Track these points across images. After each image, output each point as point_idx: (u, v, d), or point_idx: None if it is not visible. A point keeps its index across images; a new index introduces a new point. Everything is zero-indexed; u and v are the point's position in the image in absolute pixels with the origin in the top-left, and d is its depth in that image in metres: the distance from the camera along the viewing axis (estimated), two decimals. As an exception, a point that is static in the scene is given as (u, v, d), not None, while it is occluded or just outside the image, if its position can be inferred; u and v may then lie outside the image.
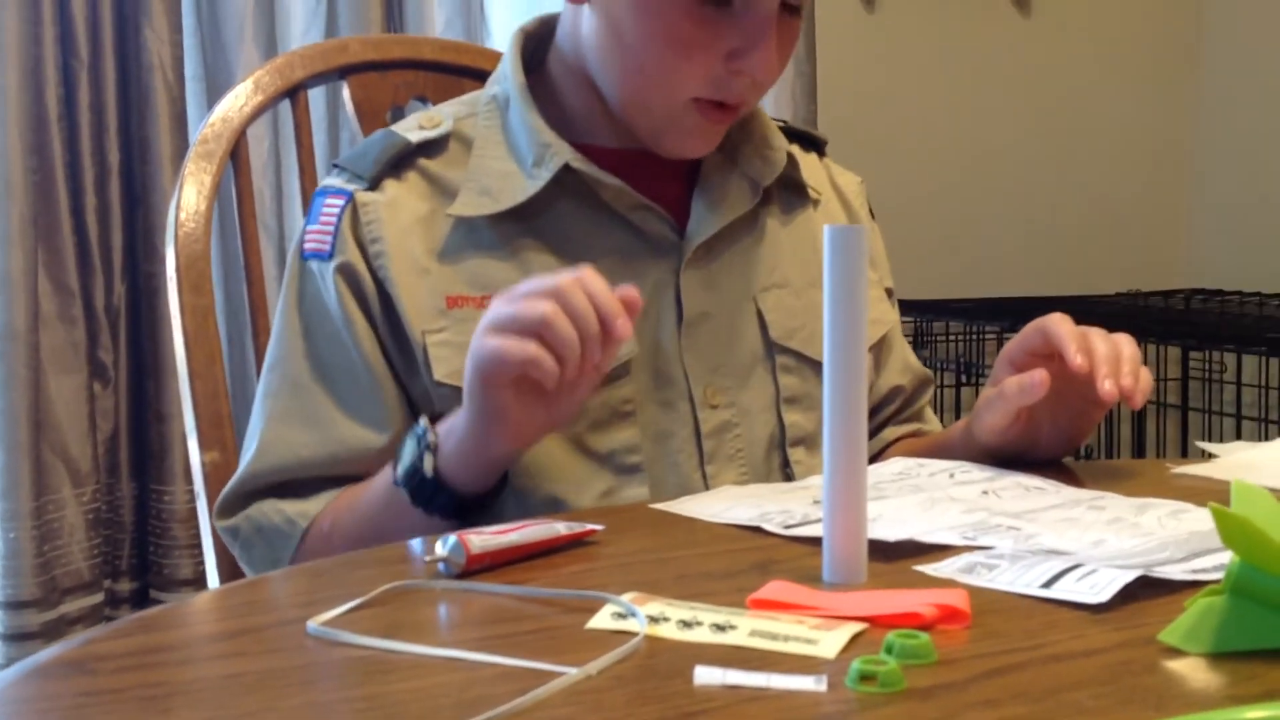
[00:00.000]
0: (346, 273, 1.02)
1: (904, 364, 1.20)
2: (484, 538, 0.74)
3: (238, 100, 1.24)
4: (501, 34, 2.30)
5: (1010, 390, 0.96)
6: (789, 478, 1.06)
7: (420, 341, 1.00)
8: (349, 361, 1.02)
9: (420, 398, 1.02)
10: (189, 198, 1.20)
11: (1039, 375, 0.94)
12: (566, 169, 1.02)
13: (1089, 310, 2.57)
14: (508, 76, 1.08)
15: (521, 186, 1.03)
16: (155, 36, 2.05)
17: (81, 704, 0.57)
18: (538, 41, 1.11)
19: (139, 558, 2.12)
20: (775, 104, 2.41)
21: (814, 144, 1.20)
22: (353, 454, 1.01)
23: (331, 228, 1.03)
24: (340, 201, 1.04)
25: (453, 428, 0.90)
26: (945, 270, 2.72)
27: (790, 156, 1.11)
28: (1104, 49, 2.90)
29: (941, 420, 2.57)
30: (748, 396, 1.06)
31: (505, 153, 1.05)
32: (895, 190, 2.54)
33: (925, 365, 1.24)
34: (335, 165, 1.08)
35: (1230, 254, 2.89)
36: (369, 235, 1.02)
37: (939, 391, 2.63)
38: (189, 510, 2.07)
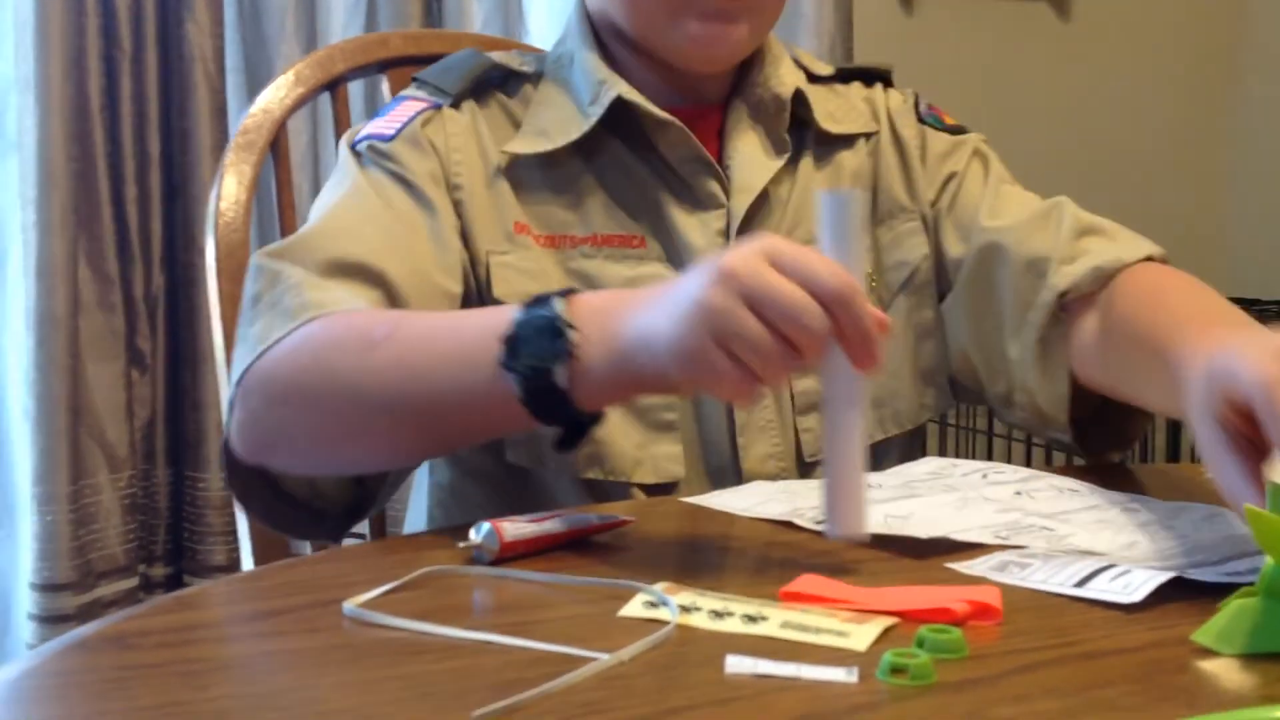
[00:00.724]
0: (394, 158, 1.01)
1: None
2: (518, 526, 0.75)
3: (279, 92, 1.25)
4: (540, 31, 2.30)
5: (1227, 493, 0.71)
6: (798, 446, 1.04)
7: (484, 260, 1.01)
8: (414, 215, 0.99)
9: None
10: (229, 187, 1.21)
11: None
12: (620, 105, 1.03)
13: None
14: (572, 30, 1.09)
15: (577, 124, 1.04)
16: (197, 29, 2.06)
17: (121, 677, 0.58)
18: None
19: (173, 543, 2.14)
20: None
21: (876, 77, 1.18)
22: (429, 284, 0.95)
23: (401, 121, 1.03)
24: (421, 105, 1.05)
25: (608, 339, 0.76)
26: (980, 275, 2.71)
27: (800, 96, 1.09)
28: (1144, 55, 2.89)
29: (970, 440, 2.52)
30: None
31: (566, 99, 1.06)
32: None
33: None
34: (415, 79, 1.09)
35: (1270, 263, 2.87)
36: (452, 144, 1.03)
37: (973, 413, 2.61)
38: (224, 497, 2.08)
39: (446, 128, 1.04)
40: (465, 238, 1.02)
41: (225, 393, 0.98)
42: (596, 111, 1.03)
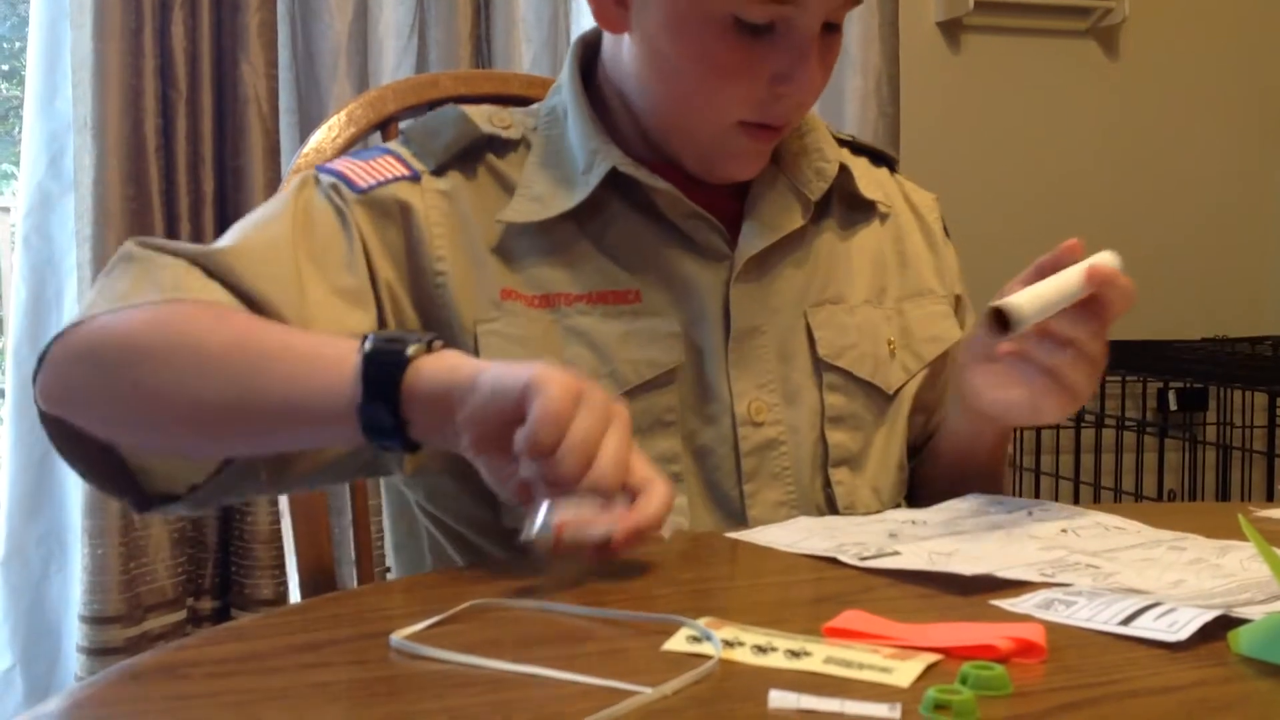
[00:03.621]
0: (349, 207, 0.99)
1: None
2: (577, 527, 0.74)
3: (331, 132, 1.27)
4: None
5: None
6: (830, 499, 1.05)
7: (471, 330, 1.00)
8: (345, 255, 0.98)
9: None
10: (282, 225, 1.22)
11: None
12: (615, 173, 1.02)
13: (1174, 356, 2.54)
14: (565, 86, 1.08)
15: (571, 193, 1.03)
16: (252, 70, 2.10)
17: (174, 707, 0.59)
18: (596, 50, 1.11)
19: (221, 577, 2.16)
20: (858, 143, 2.42)
21: (884, 160, 1.20)
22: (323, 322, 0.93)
23: (379, 179, 1.01)
24: (403, 171, 1.02)
25: (458, 366, 0.79)
26: (1027, 312, 2.70)
27: (843, 168, 1.10)
28: (1191, 92, 2.88)
29: (1017, 477, 2.51)
30: (796, 414, 1.05)
31: (560, 161, 1.05)
32: (978, 230, 2.53)
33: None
34: (403, 133, 1.07)
35: (1321, 301, 2.85)
36: (433, 219, 1.01)
37: (1020, 451, 2.60)
38: (272, 531, 2.10)
39: (426, 200, 1.02)
40: (450, 312, 0.99)
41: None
42: (591, 181, 1.03)
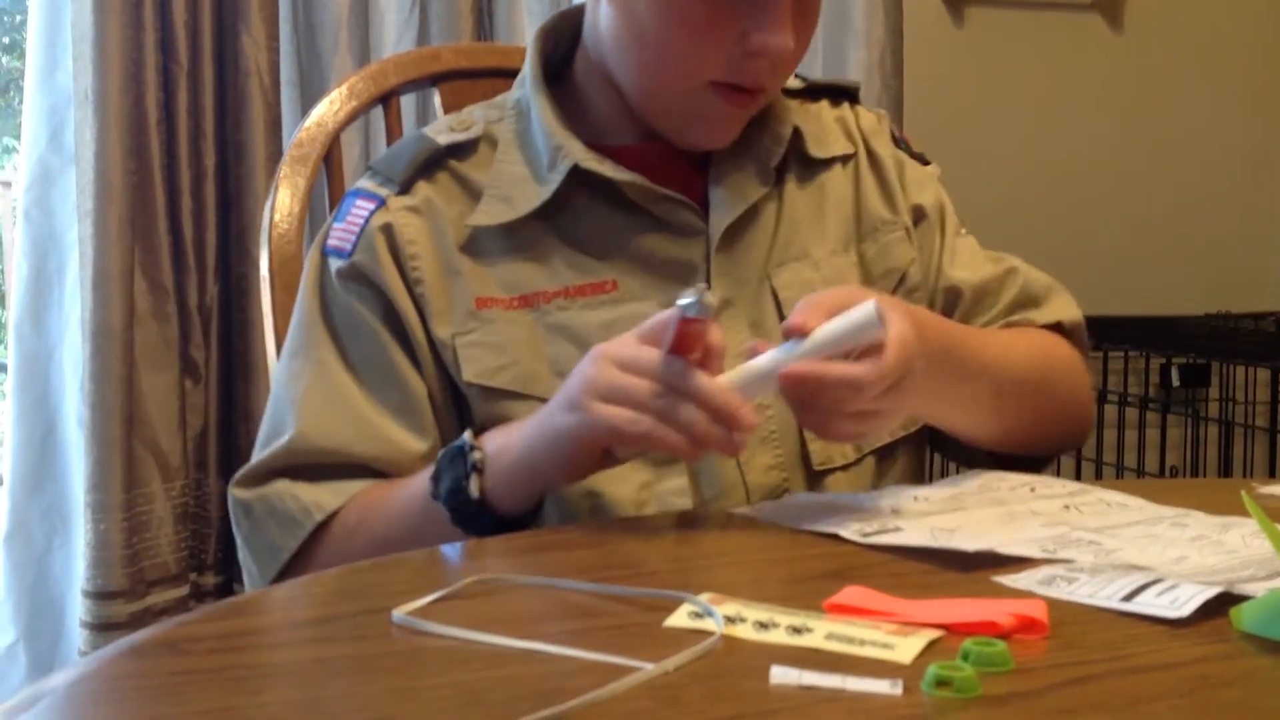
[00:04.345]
0: (357, 275, 1.03)
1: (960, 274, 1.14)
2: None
3: (332, 106, 1.27)
4: (590, 44, 2.32)
5: None
6: (806, 458, 1.04)
7: (450, 344, 1.02)
8: (378, 361, 1.03)
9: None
10: (283, 200, 1.23)
11: None
12: (578, 169, 1.03)
13: (1177, 332, 2.54)
14: (527, 79, 1.09)
15: (537, 191, 1.04)
16: (253, 43, 2.09)
17: (175, 682, 0.59)
18: (558, 39, 1.11)
19: (224, 552, 2.16)
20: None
21: (844, 94, 1.18)
22: (399, 454, 1.01)
23: (356, 229, 1.04)
24: (371, 206, 1.05)
25: (505, 449, 0.90)
26: (1030, 287, 2.69)
27: (796, 130, 1.10)
28: (1196, 64, 2.86)
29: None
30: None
31: (524, 157, 1.06)
32: (981, 205, 2.52)
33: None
34: (369, 168, 1.09)
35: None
36: (406, 236, 1.03)
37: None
38: (274, 506, 2.10)
39: (396, 220, 1.04)
40: (430, 323, 1.02)
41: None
42: (555, 179, 1.03)
